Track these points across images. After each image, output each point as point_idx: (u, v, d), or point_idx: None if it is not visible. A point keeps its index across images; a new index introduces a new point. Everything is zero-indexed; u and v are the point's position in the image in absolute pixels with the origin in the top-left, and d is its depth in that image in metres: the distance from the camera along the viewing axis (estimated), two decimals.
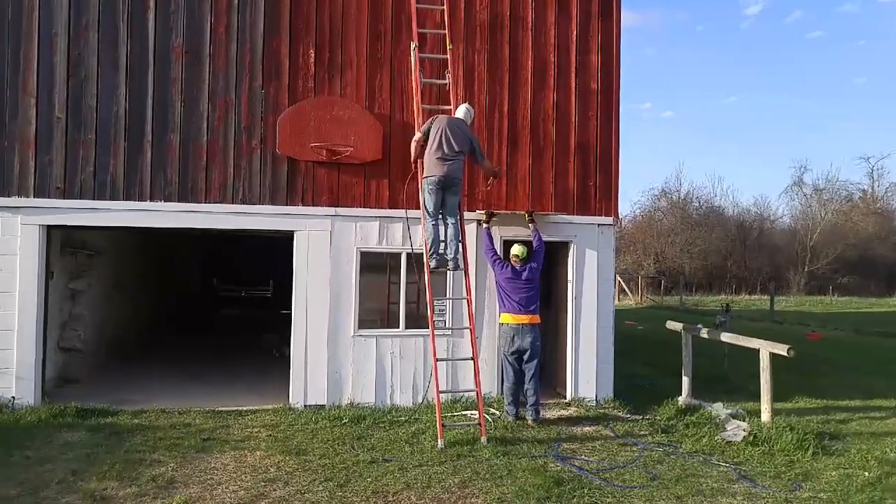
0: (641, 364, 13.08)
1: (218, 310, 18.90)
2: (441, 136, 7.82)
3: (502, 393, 8.68)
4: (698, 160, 76.37)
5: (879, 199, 48.64)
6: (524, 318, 8.14)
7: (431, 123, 7.99)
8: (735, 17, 79.95)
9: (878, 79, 75.85)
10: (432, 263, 7.90)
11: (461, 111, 8.25)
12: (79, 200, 8.24)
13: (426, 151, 7.93)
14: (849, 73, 76.35)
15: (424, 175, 7.93)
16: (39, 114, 8.16)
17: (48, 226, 8.30)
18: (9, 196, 8.14)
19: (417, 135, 8.17)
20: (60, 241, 9.21)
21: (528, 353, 8.15)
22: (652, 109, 77.85)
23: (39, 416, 7.75)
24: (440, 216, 7.96)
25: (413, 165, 8.47)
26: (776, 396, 8.44)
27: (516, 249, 8.23)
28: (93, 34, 8.23)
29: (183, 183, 8.44)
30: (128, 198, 8.32)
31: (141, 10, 8.32)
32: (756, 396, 9.13)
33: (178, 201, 8.42)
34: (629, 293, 32.67)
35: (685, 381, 9.76)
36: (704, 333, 9.62)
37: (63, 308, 9.66)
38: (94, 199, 8.26)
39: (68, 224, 8.39)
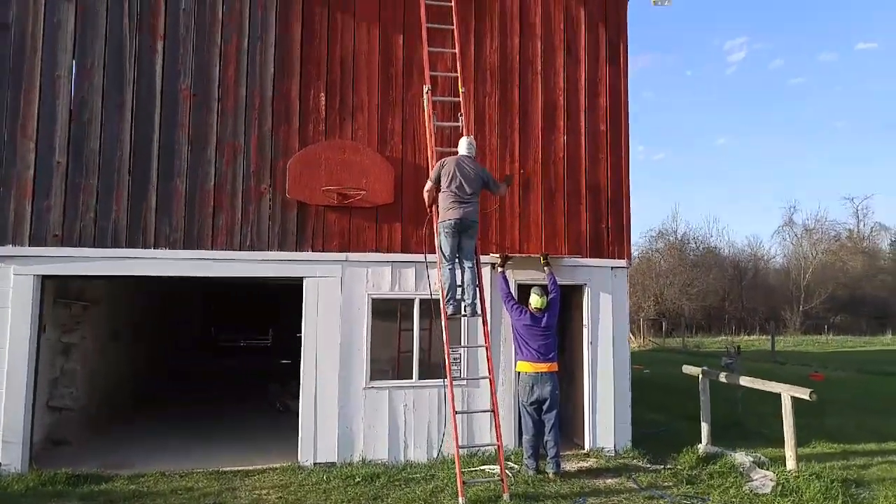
0: (652, 409, 12.76)
1: (217, 360, 18.37)
2: (454, 179, 7.64)
3: (520, 445, 8.31)
4: (692, 201, 77.39)
5: (865, 238, 49.27)
6: (543, 367, 7.83)
7: (441, 168, 7.80)
8: (720, 64, 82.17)
9: (856, 123, 77.94)
10: (449, 310, 7.60)
11: (464, 147, 8.03)
12: (78, 248, 7.88)
13: (440, 195, 7.74)
14: (830, 118, 78.41)
15: (440, 219, 7.70)
16: (39, 158, 7.86)
17: (43, 276, 7.90)
18: (2, 245, 7.76)
19: (428, 184, 7.99)
20: (54, 292, 8.79)
21: (547, 402, 7.83)
22: (645, 152, 79.25)
23: (27, 485, 7.19)
24: (457, 260, 7.71)
25: (428, 210, 8.25)
26: (798, 442, 8.20)
27: (535, 301, 7.94)
28: (98, 76, 8.01)
29: (188, 229, 8.13)
30: (130, 245, 7.99)
31: (148, 52, 8.13)
32: (772, 441, 8.86)
33: (184, 248, 8.09)
34: (631, 336, 32.43)
35: (704, 427, 9.45)
36: (723, 378, 9.37)
37: (55, 364, 9.16)
38: (94, 247, 7.91)
39: (65, 274, 7.99)
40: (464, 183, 7.62)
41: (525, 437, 8.01)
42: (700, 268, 40.79)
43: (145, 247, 8.01)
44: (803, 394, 7.92)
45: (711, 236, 48.29)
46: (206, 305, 18.95)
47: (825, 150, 75.62)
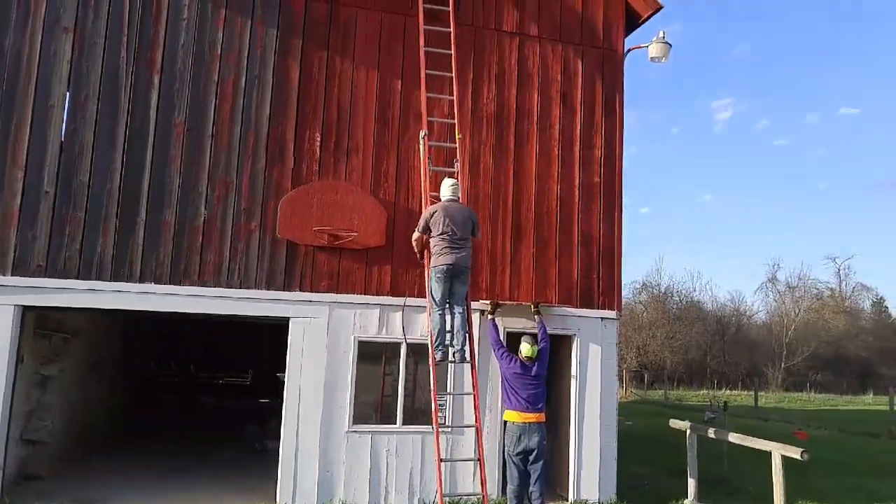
0: (635, 462, 12.56)
1: (195, 397, 17.99)
2: (444, 225, 7.63)
3: (504, 495, 8.12)
4: (676, 255, 78.04)
5: (847, 297, 49.78)
6: (532, 417, 7.69)
7: (430, 217, 7.79)
8: (707, 122, 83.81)
9: (837, 184, 79.48)
10: (438, 355, 7.51)
11: (449, 190, 7.99)
12: (61, 280, 7.71)
13: (431, 241, 7.72)
14: (812, 178, 79.98)
15: (432, 264, 7.68)
16: (27, 187, 7.73)
17: (24, 306, 7.71)
18: None
19: (416, 233, 7.97)
20: (35, 323, 8.60)
21: (534, 453, 7.66)
22: (631, 205, 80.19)
23: None
24: (447, 305, 7.65)
25: (419, 256, 8.22)
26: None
27: (526, 350, 7.85)
28: (92, 107, 7.95)
29: (175, 264, 8.01)
30: (116, 278, 7.84)
31: (144, 85, 8.11)
32: (758, 500, 8.71)
33: (170, 283, 7.96)
34: None
35: (691, 483, 9.33)
36: (712, 433, 9.28)
37: (31, 396, 8.92)
38: (78, 279, 7.76)
39: (48, 305, 7.82)
40: (454, 228, 7.62)
41: (510, 487, 7.82)
42: (683, 321, 40.92)
43: (131, 280, 7.87)
44: (795, 453, 7.83)
45: (695, 290, 48.70)
46: (185, 341, 18.64)
47: (808, 209, 76.97)
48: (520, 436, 7.64)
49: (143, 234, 7.96)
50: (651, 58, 9.95)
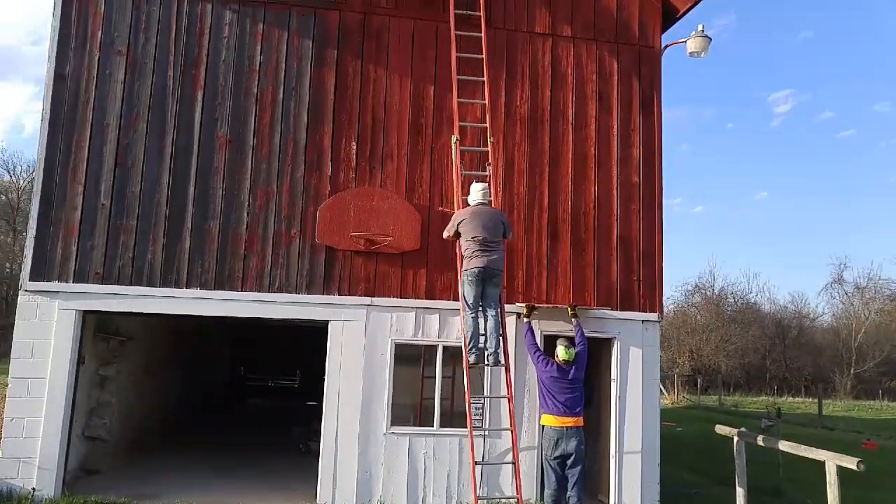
0: (685, 469, 12.30)
1: (245, 399, 18.56)
2: (476, 228, 7.71)
3: (542, 499, 8.11)
4: (730, 256, 75.53)
5: None
6: (569, 421, 7.65)
7: (459, 221, 7.89)
8: (765, 116, 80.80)
9: None
10: (471, 358, 7.59)
11: (479, 194, 8.06)
12: (116, 286, 8.18)
13: (462, 244, 7.82)
14: (883, 172, 75.85)
15: (464, 267, 7.77)
16: (86, 200, 8.25)
17: (84, 311, 8.22)
18: (49, 281, 8.11)
19: (445, 233, 8.12)
20: (94, 326, 9.13)
21: (572, 457, 7.62)
22: (683, 204, 77.94)
23: None
24: (480, 308, 7.72)
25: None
26: None
27: (563, 353, 7.83)
28: (142, 124, 8.42)
29: (220, 271, 8.37)
30: (164, 285, 8.26)
31: (189, 101, 8.52)
32: None
33: (215, 289, 8.33)
34: (665, 392, 31.50)
35: (740, 493, 9.02)
36: (760, 441, 8.99)
37: (91, 395, 9.45)
38: (131, 285, 8.21)
39: (105, 309, 8.31)
40: (485, 230, 7.69)
41: (547, 492, 7.81)
42: (738, 324, 39.41)
43: (178, 286, 8.27)
44: (850, 463, 7.44)
45: (751, 292, 46.58)
46: (236, 345, 19.25)
47: (877, 204, 72.94)
48: (557, 440, 7.61)
49: (189, 242, 8.35)
50: (690, 53, 9.77)
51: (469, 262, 7.68)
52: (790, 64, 78.85)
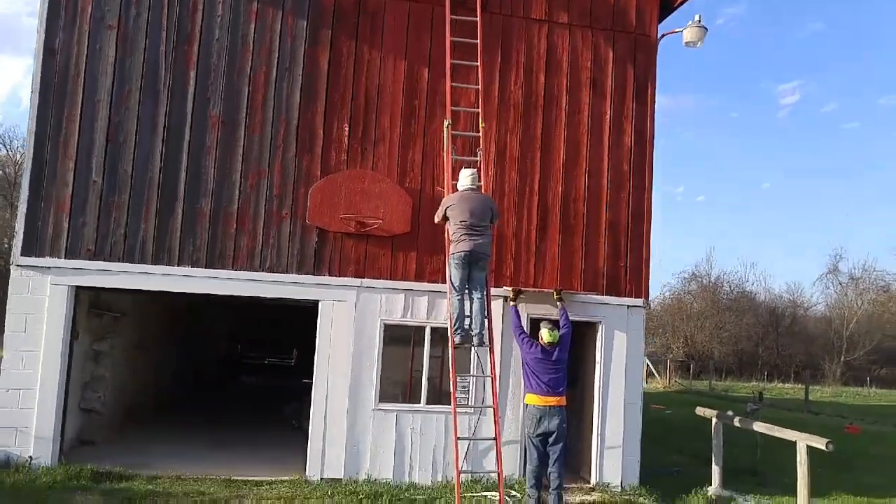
0: (670, 450, 12.54)
1: (239, 377, 18.74)
2: (463, 213, 7.79)
3: (524, 475, 8.30)
4: (730, 245, 75.52)
5: None
6: (552, 400, 7.83)
7: (447, 206, 7.98)
8: (772, 107, 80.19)
9: None
10: (457, 339, 7.74)
11: (468, 179, 8.12)
12: (108, 262, 8.28)
13: (450, 228, 7.93)
14: (885, 163, 75.84)
15: (451, 251, 7.89)
16: (77, 177, 8.30)
17: (77, 287, 8.32)
18: (41, 256, 8.20)
19: (436, 217, 8.20)
20: (88, 303, 9.23)
21: (553, 435, 7.81)
22: (685, 193, 77.88)
23: (55, 478, 7.65)
24: (466, 291, 7.84)
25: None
26: (814, 491, 7.96)
27: (546, 336, 7.98)
28: (134, 101, 8.44)
29: (211, 249, 8.47)
30: (156, 262, 8.35)
31: (182, 78, 8.55)
32: (791, 490, 8.60)
33: (206, 267, 8.43)
34: (657, 376, 31.84)
35: (715, 470, 9.32)
36: (737, 422, 9.22)
37: (86, 369, 9.61)
38: (122, 262, 8.30)
39: (96, 286, 8.41)
40: (472, 217, 7.78)
41: (528, 468, 8.00)
42: (733, 312, 39.88)
43: (170, 264, 8.37)
44: (820, 444, 7.73)
45: (748, 281, 46.85)
46: (232, 323, 19.37)
47: (876, 197, 73.16)
48: (540, 418, 7.80)
49: (181, 220, 8.43)
50: (686, 42, 9.80)
51: (456, 246, 7.79)
52: (798, 55, 78.43)
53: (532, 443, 7.90)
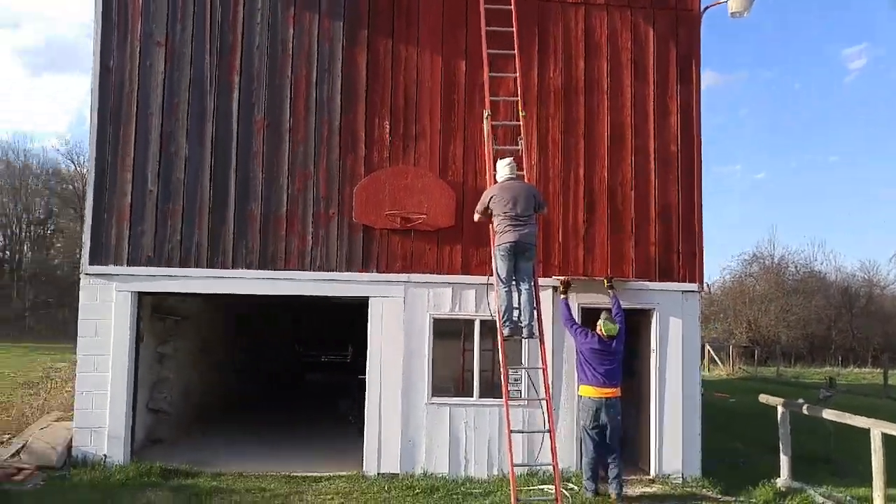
0: (736, 439, 12.16)
1: (302, 375, 19.19)
2: (505, 204, 7.69)
3: (581, 467, 8.24)
4: (794, 223, 72.22)
5: None
6: (609, 392, 7.75)
7: (489, 197, 7.88)
8: (837, 73, 75.73)
9: None
10: (505, 331, 7.70)
11: (506, 169, 8.00)
12: (166, 268, 8.63)
13: (494, 220, 7.83)
14: None
15: (496, 242, 7.84)
16: (134, 187, 8.68)
17: (139, 292, 8.71)
18: (105, 265, 8.62)
19: (476, 216, 8.13)
20: (151, 307, 9.64)
21: (610, 427, 7.73)
22: (743, 171, 74.93)
23: (127, 475, 8.06)
24: (513, 282, 7.80)
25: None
26: (890, 481, 7.58)
27: (605, 327, 7.85)
28: (183, 111, 8.76)
29: (263, 251, 8.71)
30: (211, 266, 8.65)
31: (226, 87, 8.81)
32: (867, 479, 8.24)
33: (259, 269, 8.67)
34: (720, 363, 30.85)
35: (784, 460, 8.97)
36: (805, 409, 8.87)
37: (152, 370, 10.03)
38: (179, 267, 8.63)
39: (157, 291, 8.79)
40: (516, 205, 7.70)
41: (585, 460, 7.95)
42: (800, 294, 37.95)
43: (224, 267, 8.65)
44: (895, 430, 7.37)
45: (816, 260, 44.42)
46: (291, 322, 19.83)
47: None
48: (596, 410, 7.72)
49: (233, 224, 8.71)
50: (731, 13, 9.43)
51: (501, 237, 7.73)
52: (865, 16, 73.87)
53: (588, 435, 7.84)
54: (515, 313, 7.77)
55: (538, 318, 7.90)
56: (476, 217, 8.18)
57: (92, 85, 8.74)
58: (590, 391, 7.82)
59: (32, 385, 13.42)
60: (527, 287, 7.81)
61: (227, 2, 8.87)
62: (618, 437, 7.78)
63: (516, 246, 7.65)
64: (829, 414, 8.60)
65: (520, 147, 8.68)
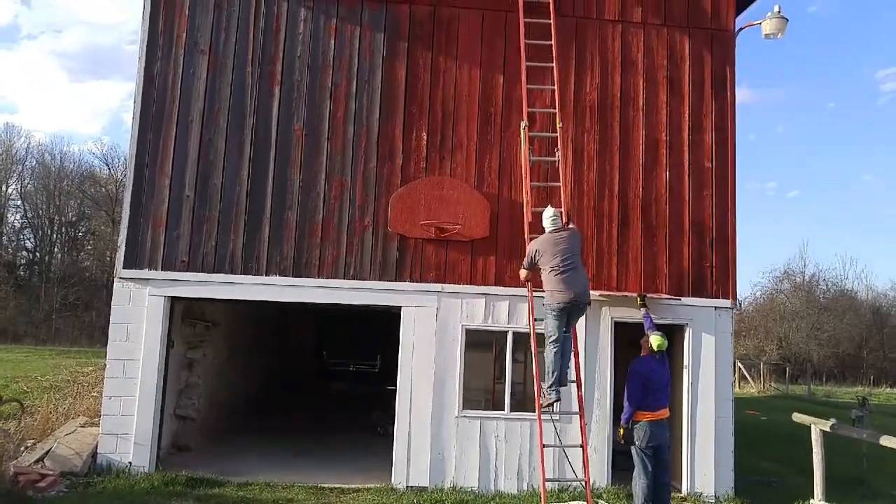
0: (767, 458, 11.99)
1: (328, 383, 19.14)
2: (554, 258, 7.43)
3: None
4: (826, 241, 71.26)
5: None
6: (662, 413, 7.48)
7: (535, 253, 7.66)
8: (870, 94, 74.97)
9: None
10: (552, 396, 7.44)
11: (550, 221, 7.80)
12: (201, 273, 8.66)
13: (544, 275, 7.57)
14: None
15: (547, 300, 7.48)
16: (172, 192, 8.75)
17: (172, 297, 8.74)
18: (140, 269, 8.67)
19: (522, 271, 7.99)
20: (182, 312, 9.68)
21: (662, 446, 7.56)
22: (778, 189, 74.35)
23: (152, 483, 7.94)
24: (564, 338, 7.51)
25: (525, 283, 8.20)
26: None
27: (658, 341, 7.54)
28: (223, 119, 8.86)
29: (297, 258, 8.74)
30: (245, 272, 8.69)
31: (266, 96, 8.91)
32: None
33: (293, 276, 8.70)
34: (750, 380, 30.44)
35: (818, 481, 8.81)
36: (839, 429, 8.73)
37: (180, 376, 10.05)
38: (214, 273, 8.67)
39: (190, 296, 8.82)
40: (564, 258, 7.43)
41: (642, 482, 7.54)
42: (832, 312, 37.58)
43: (258, 273, 8.69)
44: None
45: (847, 278, 43.83)
46: (317, 330, 19.85)
47: None
48: (653, 432, 7.43)
49: (268, 231, 8.75)
50: (765, 35, 9.47)
51: (553, 296, 7.38)
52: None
53: (646, 455, 7.49)
54: (566, 375, 7.51)
55: (574, 338, 7.81)
56: (523, 274, 8.00)
57: (135, 93, 8.86)
58: (647, 415, 7.45)
59: (58, 389, 13.45)
60: (571, 340, 7.62)
61: (271, 12, 9.00)
62: (668, 456, 7.56)
63: (572, 306, 7.40)
64: (863, 435, 8.47)
65: (556, 159, 8.69)
